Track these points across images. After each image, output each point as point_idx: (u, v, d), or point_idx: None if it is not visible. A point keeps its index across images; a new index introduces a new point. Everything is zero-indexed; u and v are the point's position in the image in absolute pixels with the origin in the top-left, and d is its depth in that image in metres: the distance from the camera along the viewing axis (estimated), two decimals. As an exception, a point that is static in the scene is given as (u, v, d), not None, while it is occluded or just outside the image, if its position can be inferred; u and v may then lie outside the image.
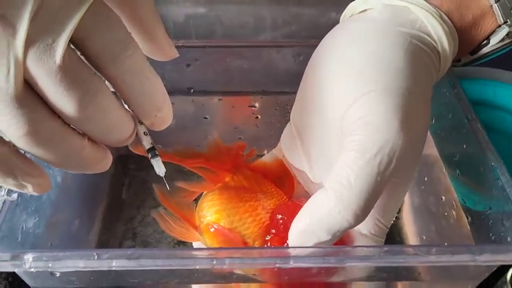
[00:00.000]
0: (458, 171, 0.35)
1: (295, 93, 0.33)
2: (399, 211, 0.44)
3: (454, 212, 0.35)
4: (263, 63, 0.43)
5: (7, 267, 0.26)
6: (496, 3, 0.30)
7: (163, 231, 0.29)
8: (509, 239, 0.28)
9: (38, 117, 0.20)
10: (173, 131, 0.44)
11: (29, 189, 0.22)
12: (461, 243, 0.34)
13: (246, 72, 0.45)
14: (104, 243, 0.42)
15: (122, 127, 0.23)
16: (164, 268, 0.25)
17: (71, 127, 0.22)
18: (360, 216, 0.25)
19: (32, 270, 0.26)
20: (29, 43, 0.19)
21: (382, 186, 0.25)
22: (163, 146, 0.48)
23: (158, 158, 0.27)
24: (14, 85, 0.19)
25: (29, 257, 0.25)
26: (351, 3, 0.32)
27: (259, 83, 0.45)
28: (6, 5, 0.18)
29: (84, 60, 0.21)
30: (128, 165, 0.49)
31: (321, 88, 0.29)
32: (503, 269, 0.33)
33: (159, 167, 0.27)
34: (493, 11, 0.30)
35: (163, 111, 0.24)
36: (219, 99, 0.46)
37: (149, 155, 0.27)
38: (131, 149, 0.27)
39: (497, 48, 0.32)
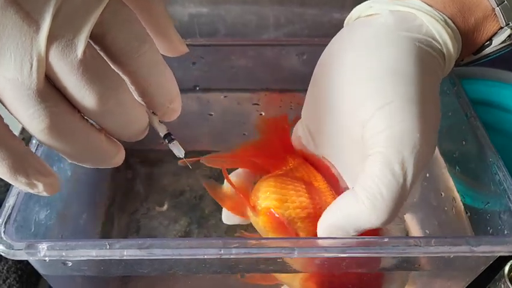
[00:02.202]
0: (457, 167, 0.36)
1: (298, 91, 0.34)
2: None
3: (453, 207, 0.36)
4: (267, 61, 0.44)
5: (22, 255, 0.27)
6: (498, 6, 0.30)
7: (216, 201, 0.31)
8: (506, 232, 0.29)
9: (58, 111, 0.21)
10: (179, 127, 0.45)
11: (40, 189, 0.22)
12: (460, 234, 0.35)
13: (250, 70, 0.46)
14: (108, 236, 0.43)
15: (139, 121, 0.24)
16: (174, 257, 0.26)
17: (89, 122, 0.22)
18: (389, 220, 0.26)
19: (46, 259, 0.27)
20: (51, 39, 0.19)
21: (409, 192, 0.26)
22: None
23: (176, 142, 0.28)
24: (36, 80, 0.19)
25: (43, 246, 0.26)
26: (357, 7, 0.32)
27: (263, 80, 0.46)
28: (31, 3, 0.19)
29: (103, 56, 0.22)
30: (132, 160, 0.50)
31: (336, 95, 0.29)
32: (501, 263, 0.34)
33: (178, 150, 0.28)
34: (495, 14, 0.31)
35: (174, 103, 0.25)
36: (224, 96, 0.47)
37: (166, 141, 0.28)
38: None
39: (499, 49, 0.33)
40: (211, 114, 0.48)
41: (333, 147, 0.31)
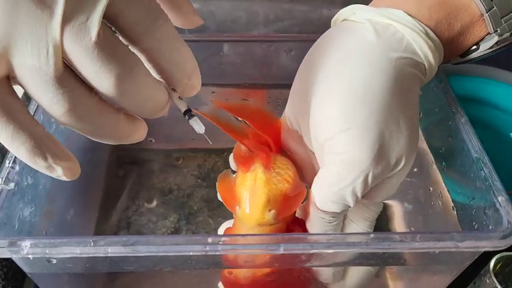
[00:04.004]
0: (444, 163, 0.37)
1: (287, 86, 0.34)
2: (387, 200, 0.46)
3: (440, 203, 0.37)
4: (255, 57, 0.44)
5: (5, 253, 0.26)
6: (487, 12, 0.30)
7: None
8: (491, 227, 0.29)
9: (77, 95, 0.21)
10: (168, 122, 0.45)
11: (59, 173, 0.22)
12: (445, 230, 0.35)
13: (239, 66, 0.46)
14: (98, 232, 0.43)
15: (157, 98, 0.24)
16: (159, 254, 0.26)
17: (107, 102, 0.22)
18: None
19: (29, 256, 0.26)
20: (64, 23, 0.19)
21: (357, 199, 0.29)
22: (158, 137, 0.50)
23: (196, 118, 0.28)
24: (53, 66, 0.20)
25: (26, 243, 0.26)
26: (342, 11, 0.33)
27: (252, 76, 0.46)
28: None
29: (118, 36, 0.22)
30: (124, 157, 0.50)
31: (309, 101, 0.31)
32: (487, 258, 0.34)
33: (199, 126, 0.28)
34: (482, 20, 0.31)
35: (193, 79, 0.25)
36: (212, 92, 0.47)
37: (187, 117, 0.27)
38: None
39: (486, 54, 0.33)
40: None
41: (305, 139, 0.33)
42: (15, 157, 0.31)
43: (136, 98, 0.23)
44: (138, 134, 0.25)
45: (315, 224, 0.31)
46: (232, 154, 0.36)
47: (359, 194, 0.29)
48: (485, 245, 0.27)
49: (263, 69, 0.44)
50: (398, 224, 0.43)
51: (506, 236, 0.27)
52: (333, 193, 0.29)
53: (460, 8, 0.31)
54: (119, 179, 0.48)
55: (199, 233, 0.43)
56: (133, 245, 0.26)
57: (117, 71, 0.21)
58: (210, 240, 0.26)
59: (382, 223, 0.44)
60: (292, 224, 0.32)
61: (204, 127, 0.28)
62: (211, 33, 0.49)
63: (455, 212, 0.34)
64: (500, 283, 0.37)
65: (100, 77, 0.21)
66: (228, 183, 0.33)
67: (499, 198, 0.29)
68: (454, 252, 0.28)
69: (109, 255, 0.26)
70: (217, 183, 0.34)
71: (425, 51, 0.30)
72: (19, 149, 0.21)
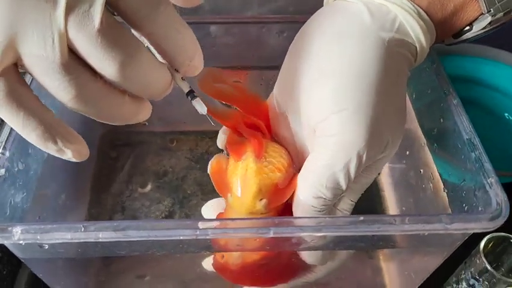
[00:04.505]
0: (436, 144, 0.36)
1: (279, 68, 0.34)
2: (379, 183, 0.46)
3: (431, 185, 0.37)
4: (248, 39, 0.44)
5: (-4, 239, 0.26)
6: None
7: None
8: (480, 209, 0.29)
9: (82, 81, 0.22)
10: (161, 105, 0.44)
11: (69, 155, 0.24)
12: (435, 212, 0.35)
13: (231, 48, 0.45)
14: (94, 216, 0.43)
15: (160, 80, 0.25)
16: (150, 239, 0.26)
17: (112, 86, 0.23)
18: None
19: (21, 242, 0.27)
20: (68, 12, 0.20)
21: (350, 182, 0.29)
22: (151, 120, 0.49)
23: (198, 99, 0.28)
24: (59, 54, 0.20)
25: (17, 229, 0.26)
26: None
27: (244, 58, 0.46)
28: None
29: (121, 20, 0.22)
30: (116, 140, 0.50)
31: (300, 83, 0.30)
32: (477, 239, 0.34)
33: (201, 106, 0.29)
34: (476, 0, 0.30)
35: (195, 60, 0.25)
36: (205, 75, 0.46)
37: (189, 98, 0.28)
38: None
39: (479, 34, 0.33)
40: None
41: (294, 122, 0.33)
42: (4, 143, 0.31)
43: (140, 82, 0.23)
44: (143, 114, 0.26)
45: (304, 213, 0.30)
46: (219, 133, 0.35)
47: (353, 177, 0.29)
48: (474, 227, 0.27)
49: (256, 51, 0.44)
50: (390, 206, 0.43)
51: (495, 218, 0.27)
52: (327, 177, 0.28)
53: None
54: (112, 161, 0.48)
55: (193, 216, 0.43)
56: (124, 230, 0.26)
57: (120, 58, 0.21)
58: (200, 224, 0.26)
59: (374, 205, 0.44)
60: (283, 212, 0.32)
61: (206, 108, 0.29)
62: (203, 16, 0.48)
63: (446, 194, 0.34)
64: (491, 263, 0.37)
65: (104, 64, 0.21)
66: (220, 170, 0.33)
67: (489, 180, 0.29)
68: (444, 234, 0.29)
69: (100, 240, 0.26)
70: (209, 169, 0.34)
71: (417, 33, 0.30)
72: (30, 135, 0.22)
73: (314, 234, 0.27)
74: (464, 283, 0.38)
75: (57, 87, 0.21)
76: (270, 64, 0.45)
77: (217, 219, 0.28)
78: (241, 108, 0.35)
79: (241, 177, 0.31)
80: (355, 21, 0.30)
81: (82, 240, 0.26)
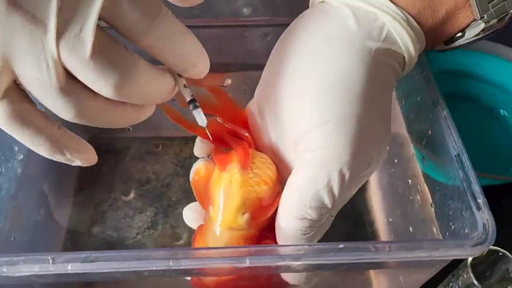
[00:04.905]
0: (424, 157, 0.35)
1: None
2: (367, 191, 0.45)
3: (418, 197, 0.36)
4: (232, 42, 0.42)
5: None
6: None
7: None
8: (466, 231, 0.28)
9: (82, 100, 0.22)
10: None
11: (78, 163, 0.24)
12: (417, 239, 0.34)
13: (216, 51, 0.44)
14: (73, 228, 0.42)
15: (161, 90, 0.24)
16: (121, 270, 0.25)
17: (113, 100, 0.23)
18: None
19: (-13, 274, 0.26)
20: (59, 36, 0.20)
21: (335, 200, 0.27)
22: (136, 126, 0.48)
23: (200, 110, 0.28)
24: (55, 77, 0.20)
25: (-18, 262, 0.25)
26: None
27: (229, 61, 0.44)
28: (33, 4, 0.19)
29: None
30: (100, 146, 0.49)
31: (282, 92, 0.29)
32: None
33: (201, 118, 0.28)
34: (468, 5, 0.29)
35: (198, 66, 0.25)
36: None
37: (191, 107, 0.28)
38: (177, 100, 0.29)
39: (472, 41, 0.31)
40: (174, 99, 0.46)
41: (275, 132, 0.31)
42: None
43: (139, 96, 0.23)
44: (146, 114, 0.26)
45: (288, 237, 0.28)
46: (197, 141, 0.34)
47: (337, 194, 0.27)
48: (458, 254, 0.26)
49: (240, 54, 0.42)
50: (377, 215, 0.42)
51: (480, 243, 0.26)
52: (311, 196, 0.27)
53: None
54: (95, 168, 0.47)
55: (177, 226, 0.43)
56: (93, 262, 0.25)
57: (115, 79, 0.21)
58: (172, 255, 0.25)
59: (361, 214, 0.43)
60: (266, 229, 0.31)
61: (206, 120, 0.28)
62: (183, 20, 0.47)
63: (433, 209, 0.33)
64: (479, 275, 0.36)
65: (99, 86, 0.21)
66: (202, 180, 0.32)
67: (477, 202, 0.28)
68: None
69: (69, 272, 0.25)
70: (191, 176, 0.32)
71: (405, 42, 0.29)
72: (38, 149, 0.23)
73: (293, 263, 0.26)
74: (452, 295, 0.37)
75: (58, 107, 0.22)
76: (254, 68, 0.43)
77: (190, 248, 0.27)
78: (222, 117, 0.34)
79: (225, 189, 0.29)
80: (340, 28, 0.28)
81: (50, 273, 0.25)
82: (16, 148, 0.35)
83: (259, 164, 0.31)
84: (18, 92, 0.21)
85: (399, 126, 0.40)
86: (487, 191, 0.46)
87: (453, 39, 0.31)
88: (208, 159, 0.33)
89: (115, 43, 0.22)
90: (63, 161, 0.24)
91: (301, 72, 0.28)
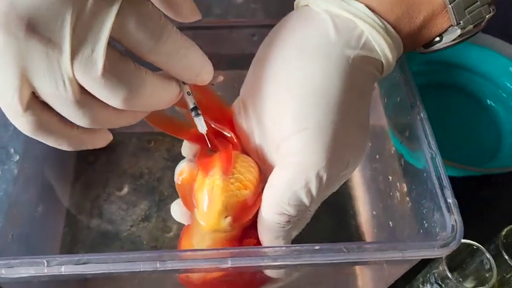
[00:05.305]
0: (403, 158, 0.37)
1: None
2: (351, 184, 0.46)
3: (398, 194, 0.37)
4: (220, 42, 0.43)
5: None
6: (450, 4, 0.29)
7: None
8: (437, 230, 0.30)
9: (95, 110, 0.24)
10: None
11: (98, 147, 0.28)
12: (390, 240, 0.36)
13: (204, 50, 0.45)
14: (72, 222, 0.44)
15: (167, 97, 0.27)
16: (111, 271, 0.27)
17: None
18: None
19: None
20: (73, 57, 0.22)
21: (313, 199, 0.29)
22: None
23: (201, 117, 0.30)
24: (71, 93, 0.23)
25: (-20, 265, 0.27)
26: None
27: (217, 61, 0.45)
28: (49, 29, 0.21)
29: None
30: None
31: (264, 95, 0.30)
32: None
33: (201, 126, 0.30)
34: (446, 11, 0.30)
35: (201, 75, 0.27)
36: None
37: (193, 114, 0.30)
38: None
39: (450, 45, 0.32)
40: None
41: (258, 132, 0.33)
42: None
43: (146, 105, 0.26)
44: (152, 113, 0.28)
45: (268, 229, 0.31)
46: (184, 143, 0.35)
47: (315, 194, 0.29)
48: (427, 254, 0.28)
49: (226, 55, 0.43)
50: (361, 208, 0.44)
51: (447, 244, 0.28)
52: (289, 195, 0.29)
53: (424, 0, 0.30)
54: (90, 165, 0.49)
55: (168, 219, 0.44)
56: (85, 264, 0.27)
57: (123, 94, 0.23)
58: (159, 257, 0.27)
59: (346, 207, 0.45)
60: (249, 228, 0.32)
61: (206, 128, 0.30)
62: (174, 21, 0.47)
63: (410, 207, 0.35)
64: (455, 267, 0.38)
65: (110, 100, 0.24)
66: (186, 183, 0.33)
67: (447, 203, 0.29)
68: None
69: (63, 273, 0.27)
70: (175, 177, 0.34)
71: (383, 49, 0.30)
72: (62, 147, 0.26)
73: (271, 264, 0.28)
74: (428, 285, 0.39)
75: (74, 117, 0.24)
76: (242, 66, 0.44)
77: (176, 250, 0.29)
78: (207, 115, 0.35)
79: (207, 194, 0.31)
80: (320, 36, 0.29)
81: (45, 274, 0.27)
82: (12, 150, 0.36)
83: (241, 168, 0.32)
84: (39, 103, 0.23)
85: (382, 121, 0.41)
86: (469, 181, 0.48)
87: (431, 43, 0.32)
88: (192, 161, 0.34)
89: (124, 60, 0.24)
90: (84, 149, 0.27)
91: (282, 77, 0.29)
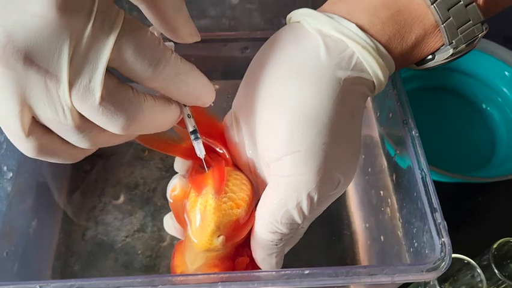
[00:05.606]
0: (393, 172, 0.37)
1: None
2: (346, 195, 0.46)
3: (388, 210, 0.37)
4: (213, 54, 0.43)
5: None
6: (443, 23, 0.29)
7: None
8: (426, 251, 0.30)
9: (94, 134, 0.25)
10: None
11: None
12: (378, 264, 0.37)
13: (197, 63, 0.44)
14: (67, 233, 0.44)
15: (166, 121, 0.27)
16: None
17: None
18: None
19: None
20: (71, 87, 0.22)
21: (305, 218, 0.30)
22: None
23: (200, 141, 0.30)
24: (71, 119, 0.23)
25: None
26: (297, 12, 0.31)
27: (211, 71, 0.45)
28: (46, 60, 0.21)
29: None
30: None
31: (256, 114, 0.30)
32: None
33: (200, 150, 0.30)
34: (438, 31, 0.30)
35: (201, 98, 0.27)
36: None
37: (192, 137, 0.30)
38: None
39: (443, 64, 0.32)
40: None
41: (250, 148, 0.33)
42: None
43: (145, 130, 0.26)
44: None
45: (261, 246, 0.31)
46: (176, 158, 0.36)
47: (307, 213, 0.29)
48: (415, 278, 0.28)
49: (219, 66, 0.43)
50: (355, 219, 0.44)
51: (435, 269, 0.28)
52: (281, 215, 0.29)
53: (416, 20, 0.30)
54: (85, 174, 0.49)
55: (162, 228, 0.44)
56: (78, 290, 0.27)
57: (122, 122, 0.24)
58: (150, 281, 0.27)
59: (340, 217, 0.45)
60: (242, 246, 0.33)
61: (204, 152, 0.30)
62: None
63: (401, 223, 0.35)
64: (449, 276, 0.39)
65: (108, 127, 0.24)
66: (178, 200, 0.34)
67: (437, 226, 0.30)
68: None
69: (56, 298, 0.28)
70: (168, 194, 0.34)
71: (374, 70, 0.30)
72: (65, 162, 0.26)
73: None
74: (420, 297, 0.40)
75: (74, 141, 0.24)
76: (235, 79, 0.44)
77: (167, 275, 0.29)
78: (198, 130, 0.35)
79: (200, 214, 0.31)
80: (311, 57, 0.29)
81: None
82: (5, 168, 0.37)
83: (233, 186, 0.32)
84: (40, 127, 0.24)
85: (374, 133, 0.41)
86: (463, 188, 0.49)
87: (424, 61, 0.32)
88: (184, 176, 0.35)
89: (122, 88, 0.24)
90: None
91: (274, 96, 0.29)
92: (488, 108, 0.59)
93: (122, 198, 0.47)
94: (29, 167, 0.40)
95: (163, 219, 0.45)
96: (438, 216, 0.30)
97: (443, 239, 0.29)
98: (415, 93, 0.59)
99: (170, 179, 0.47)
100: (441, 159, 0.53)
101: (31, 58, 0.21)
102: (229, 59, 0.43)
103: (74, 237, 0.44)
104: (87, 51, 0.22)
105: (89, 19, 0.22)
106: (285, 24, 0.33)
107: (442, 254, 0.29)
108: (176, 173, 0.36)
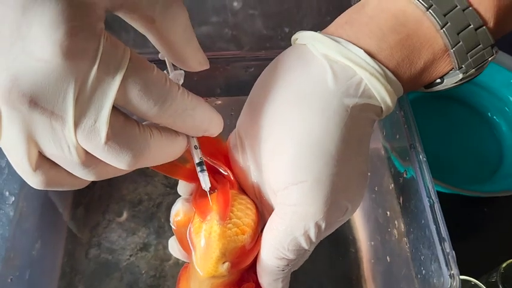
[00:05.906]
0: (401, 195, 0.36)
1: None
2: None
3: (395, 232, 0.37)
4: (217, 73, 0.42)
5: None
6: (453, 48, 0.28)
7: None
8: (435, 281, 0.30)
9: (100, 169, 0.25)
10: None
11: None
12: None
13: (201, 81, 0.44)
14: (71, 252, 0.44)
15: (173, 153, 0.27)
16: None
17: None
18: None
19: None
20: (76, 127, 0.22)
21: (312, 244, 0.29)
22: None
23: (206, 173, 0.30)
24: (76, 156, 0.23)
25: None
26: (303, 34, 0.31)
27: (214, 89, 0.44)
28: (51, 103, 0.22)
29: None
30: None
31: (260, 144, 0.30)
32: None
33: (205, 182, 0.30)
34: (447, 55, 0.29)
35: (209, 130, 0.27)
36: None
37: (198, 169, 0.30)
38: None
39: (452, 87, 0.31)
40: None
41: (255, 172, 0.32)
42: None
43: (151, 163, 0.26)
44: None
45: (268, 272, 0.31)
46: (180, 181, 0.35)
47: (314, 240, 0.29)
48: (424, 312, 0.28)
49: (224, 84, 0.42)
50: (360, 236, 0.44)
51: (445, 302, 0.28)
52: (288, 242, 0.29)
53: (424, 44, 0.29)
54: (89, 190, 0.48)
55: (167, 246, 0.44)
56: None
57: (128, 160, 0.24)
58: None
59: (345, 234, 0.45)
60: (247, 271, 0.32)
61: (210, 185, 0.30)
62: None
63: (407, 248, 0.35)
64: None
65: (115, 164, 0.24)
66: (182, 226, 0.33)
67: (445, 254, 0.29)
68: None
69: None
70: (171, 220, 0.33)
71: (382, 96, 0.29)
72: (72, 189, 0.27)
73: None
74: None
75: (80, 175, 0.24)
76: (238, 96, 0.44)
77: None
78: (202, 150, 0.34)
79: (205, 240, 0.31)
80: (318, 84, 0.28)
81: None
82: (7, 193, 0.36)
83: (238, 212, 0.32)
84: (47, 162, 0.24)
85: (381, 152, 0.40)
86: (468, 198, 0.48)
87: (432, 84, 0.32)
88: (188, 200, 0.34)
89: (128, 125, 0.24)
90: None
91: (280, 122, 0.29)
92: (495, 118, 0.58)
93: (125, 215, 0.47)
94: (32, 188, 0.40)
95: (167, 236, 0.45)
96: (447, 246, 0.29)
97: (451, 271, 0.29)
98: (421, 101, 0.58)
99: (174, 195, 0.47)
100: (446, 169, 0.52)
101: (36, 101, 0.21)
102: (232, 75, 0.42)
103: (78, 256, 0.44)
104: (92, 92, 0.22)
105: (94, 62, 0.22)
106: (288, 33, 0.32)
107: (451, 285, 0.28)
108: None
